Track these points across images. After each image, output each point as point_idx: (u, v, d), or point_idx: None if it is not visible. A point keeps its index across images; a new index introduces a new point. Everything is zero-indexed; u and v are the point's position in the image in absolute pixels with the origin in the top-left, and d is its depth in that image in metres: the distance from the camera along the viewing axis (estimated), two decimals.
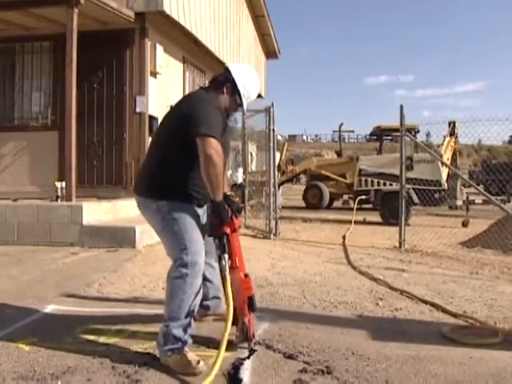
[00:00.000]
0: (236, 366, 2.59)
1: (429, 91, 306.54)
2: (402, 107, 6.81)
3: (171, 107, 2.97)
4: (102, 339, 3.01)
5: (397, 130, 7.59)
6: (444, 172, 10.45)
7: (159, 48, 8.19)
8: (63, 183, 6.74)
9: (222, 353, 2.46)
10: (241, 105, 2.92)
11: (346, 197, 14.02)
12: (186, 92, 9.12)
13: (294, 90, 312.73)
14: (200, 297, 2.74)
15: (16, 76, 8.31)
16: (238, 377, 2.50)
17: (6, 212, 6.41)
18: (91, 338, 3.04)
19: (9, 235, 6.30)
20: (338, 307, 3.80)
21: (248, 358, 2.67)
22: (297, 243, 7.13)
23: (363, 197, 11.30)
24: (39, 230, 6.26)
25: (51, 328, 3.20)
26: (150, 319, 3.26)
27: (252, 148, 14.51)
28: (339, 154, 15.56)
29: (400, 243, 6.73)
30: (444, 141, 10.51)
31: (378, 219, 10.26)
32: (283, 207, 11.19)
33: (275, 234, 7.60)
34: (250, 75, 2.96)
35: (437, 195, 10.10)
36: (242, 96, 2.88)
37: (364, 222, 10.03)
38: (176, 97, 8.42)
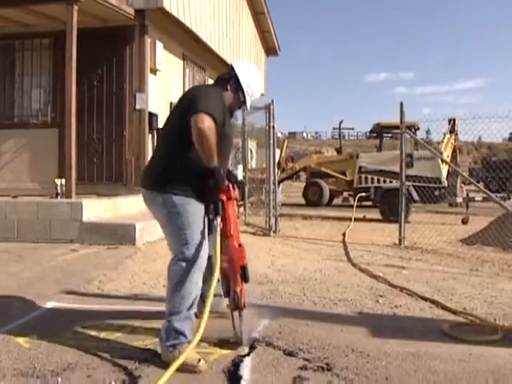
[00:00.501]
0: (236, 363, 2.59)
1: (429, 88, 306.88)
2: (401, 104, 6.80)
3: (178, 100, 2.96)
4: (103, 336, 3.01)
5: (397, 128, 7.60)
6: (444, 169, 10.44)
7: (159, 45, 8.19)
8: (63, 180, 6.75)
9: (204, 322, 2.38)
10: (244, 102, 2.93)
11: (345, 194, 14.03)
12: (186, 89, 9.10)
13: (294, 87, 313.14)
14: (200, 291, 2.73)
15: (16, 73, 8.31)
16: (237, 374, 2.50)
17: (6, 209, 6.42)
18: (91, 334, 3.04)
19: (9, 232, 6.31)
20: (338, 304, 3.80)
21: (248, 355, 2.68)
22: (297, 240, 7.13)
23: (363, 194, 11.32)
24: (39, 227, 6.27)
25: (51, 325, 3.21)
26: (151, 316, 3.26)
27: (252, 145, 14.47)
28: (339, 151, 15.55)
29: (400, 240, 6.73)
30: (444, 138, 10.53)
31: (378, 216, 10.27)
32: (283, 204, 11.21)
33: (275, 232, 7.60)
34: (254, 73, 2.98)
35: (437, 192, 10.09)
36: (246, 93, 2.90)
37: (364, 219, 10.04)
38: (176, 94, 8.44)
